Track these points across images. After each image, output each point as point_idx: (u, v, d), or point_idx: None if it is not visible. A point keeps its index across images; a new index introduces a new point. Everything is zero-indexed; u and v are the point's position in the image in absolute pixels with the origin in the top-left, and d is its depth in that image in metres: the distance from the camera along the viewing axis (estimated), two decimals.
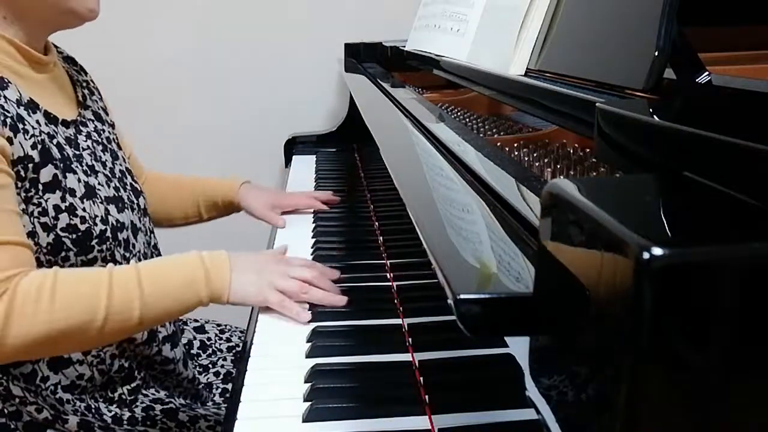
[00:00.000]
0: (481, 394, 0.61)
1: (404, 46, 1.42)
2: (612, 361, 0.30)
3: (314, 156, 1.84)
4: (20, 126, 0.83)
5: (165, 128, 1.99)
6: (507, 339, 0.50)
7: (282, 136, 1.90)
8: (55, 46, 1.05)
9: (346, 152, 1.84)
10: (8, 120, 0.81)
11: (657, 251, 0.26)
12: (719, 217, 0.33)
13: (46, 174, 0.85)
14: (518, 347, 0.46)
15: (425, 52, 1.25)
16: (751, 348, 0.29)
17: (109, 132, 1.06)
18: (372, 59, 1.79)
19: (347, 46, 1.85)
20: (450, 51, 1.12)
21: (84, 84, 1.06)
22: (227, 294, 0.87)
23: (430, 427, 0.70)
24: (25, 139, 0.83)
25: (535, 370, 0.40)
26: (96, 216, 0.90)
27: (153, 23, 1.94)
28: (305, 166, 1.76)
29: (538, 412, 0.39)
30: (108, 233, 0.92)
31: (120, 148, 1.08)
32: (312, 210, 1.38)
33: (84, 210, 0.89)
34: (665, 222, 0.33)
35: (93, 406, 0.94)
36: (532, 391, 0.40)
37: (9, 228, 0.79)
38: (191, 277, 0.85)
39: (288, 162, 1.86)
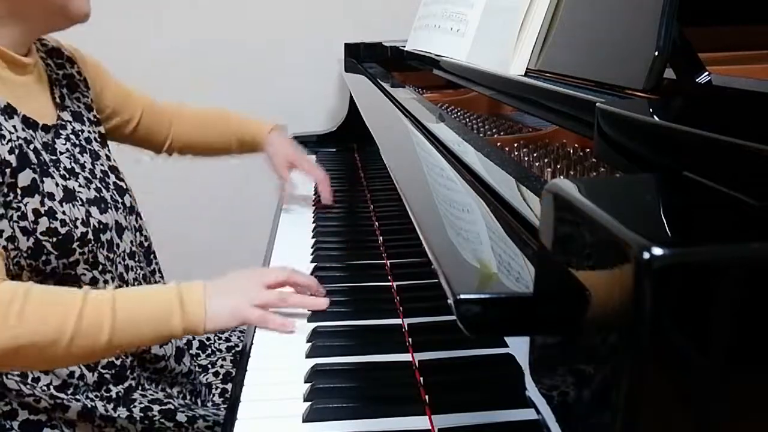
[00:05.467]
0: (481, 394, 0.61)
1: (404, 46, 1.42)
2: (612, 360, 0.30)
3: (314, 156, 1.84)
4: None
5: None
6: (507, 339, 0.50)
7: None
8: (40, 39, 1.03)
9: (346, 152, 1.84)
10: None
11: (657, 251, 0.26)
12: (719, 217, 0.33)
13: (24, 178, 0.84)
14: (518, 347, 0.46)
15: (425, 52, 1.25)
16: (751, 348, 0.29)
17: (89, 132, 1.04)
18: (372, 59, 1.79)
19: (347, 46, 1.85)
20: (450, 51, 1.12)
21: (64, 81, 1.04)
22: (203, 325, 0.84)
23: (430, 427, 0.70)
24: (2, 144, 0.82)
25: (535, 370, 0.40)
26: (77, 219, 0.89)
27: (152, 23, 1.94)
28: None
29: (538, 412, 0.39)
30: (90, 235, 0.91)
31: (103, 147, 1.06)
32: (312, 209, 1.38)
33: (64, 213, 0.88)
34: (665, 222, 0.33)
35: (89, 405, 0.94)
36: (532, 391, 0.40)
37: None
38: (166, 309, 0.83)
39: None
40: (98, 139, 1.06)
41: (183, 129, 1.36)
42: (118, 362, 0.98)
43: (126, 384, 0.99)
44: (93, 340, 0.78)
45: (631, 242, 0.28)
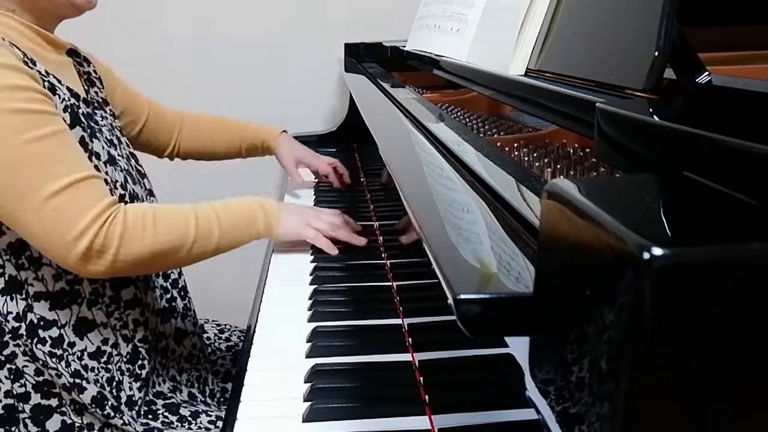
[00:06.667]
0: (481, 394, 0.61)
1: (404, 46, 1.42)
2: (612, 361, 0.30)
3: None
4: (54, 90, 0.91)
5: None
6: (507, 339, 0.50)
7: None
8: None
9: (346, 152, 1.84)
10: (46, 83, 0.90)
11: (657, 251, 0.26)
12: (719, 217, 0.33)
13: (74, 135, 0.92)
14: (518, 347, 0.46)
15: (425, 52, 1.25)
16: (752, 347, 0.29)
17: (111, 119, 1.09)
18: (372, 59, 1.78)
19: (347, 46, 1.85)
20: (450, 51, 1.12)
21: (86, 75, 1.09)
22: (276, 229, 1.05)
23: (430, 427, 0.70)
24: (59, 102, 0.91)
25: (535, 370, 0.40)
26: (117, 181, 0.98)
27: (152, 23, 1.94)
28: None
29: (538, 412, 0.39)
30: (126, 199, 0.98)
31: (123, 135, 1.13)
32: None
33: (107, 174, 0.96)
34: (665, 222, 0.33)
35: (116, 379, 0.96)
36: (532, 391, 0.40)
37: (89, 164, 0.91)
38: (253, 214, 1.02)
39: None
40: (118, 129, 1.11)
41: (190, 135, 1.39)
42: (151, 338, 1.03)
43: (151, 365, 1.03)
44: (206, 245, 0.96)
45: (631, 242, 0.28)
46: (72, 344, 0.94)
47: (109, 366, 0.97)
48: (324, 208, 1.18)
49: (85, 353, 0.95)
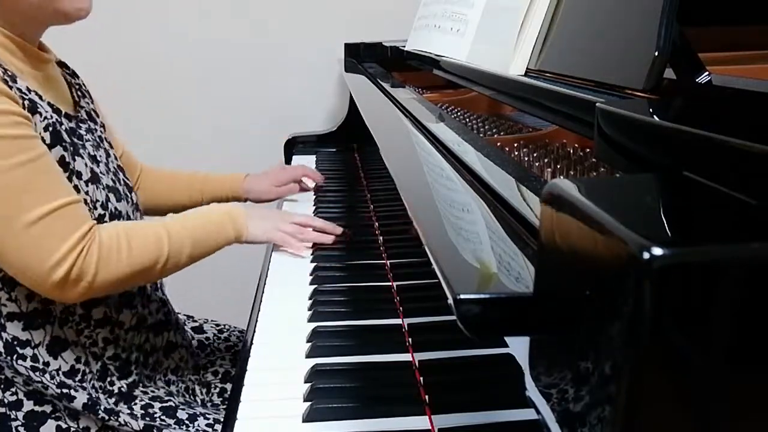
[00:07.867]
0: (481, 394, 0.61)
1: (404, 46, 1.42)
2: (612, 360, 0.30)
3: (314, 156, 1.84)
4: (35, 109, 0.89)
5: (164, 129, 1.99)
6: (507, 339, 0.50)
7: (282, 136, 1.90)
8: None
9: (346, 152, 1.84)
10: (26, 102, 0.87)
11: (657, 251, 0.26)
12: (719, 217, 0.33)
13: (54, 154, 0.90)
14: (518, 347, 0.46)
15: (425, 52, 1.25)
16: (752, 347, 0.29)
17: (101, 132, 1.08)
18: (372, 59, 1.78)
19: (347, 46, 1.85)
20: (450, 51, 1.12)
21: (77, 86, 1.08)
22: (245, 234, 1.06)
23: (430, 427, 0.70)
24: (40, 121, 0.89)
25: (535, 370, 0.40)
26: (98, 201, 0.96)
27: (152, 23, 1.94)
28: None
29: (538, 412, 0.39)
30: (107, 218, 0.96)
31: (111, 147, 1.10)
32: (313, 209, 1.38)
33: (87, 194, 0.94)
34: (665, 222, 0.33)
35: (93, 396, 0.96)
36: (532, 391, 0.40)
37: (69, 188, 0.89)
38: (222, 222, 1.04)
39: (288, 162, 1.86)
40: (107, 140, 1.09)
41: (150, 189, 1.32)
42: (123, 355, 1.01)
43: (130, 379, 1.01)
44: (179, 257, 0.97)
45: (631, 242, 0.28)
46: (47, 364, 0.94)
47: (84, 384, 0.96)
48: (299, 212, 1.18)
49: (60, 372, 0.94)
